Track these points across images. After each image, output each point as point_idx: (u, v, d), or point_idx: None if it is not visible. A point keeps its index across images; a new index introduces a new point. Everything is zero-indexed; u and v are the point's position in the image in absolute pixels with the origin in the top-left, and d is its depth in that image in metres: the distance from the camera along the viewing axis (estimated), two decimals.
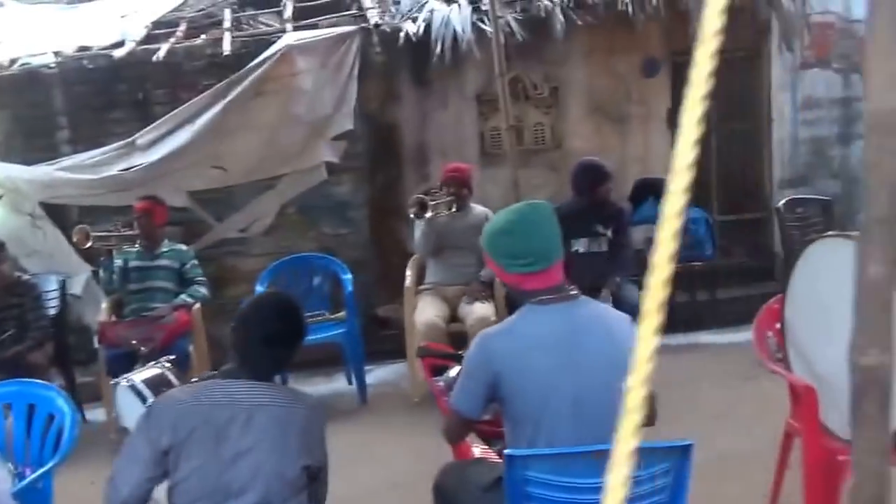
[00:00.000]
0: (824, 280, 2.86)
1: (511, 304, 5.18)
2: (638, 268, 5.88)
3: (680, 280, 6.59)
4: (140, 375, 3.34)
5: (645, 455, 2.06)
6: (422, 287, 5.31)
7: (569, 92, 6.59)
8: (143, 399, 3.20)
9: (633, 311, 4.71)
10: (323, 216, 6.19)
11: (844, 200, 7.16)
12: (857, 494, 1.41)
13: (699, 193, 6.73)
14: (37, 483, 2.84)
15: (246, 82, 5.59)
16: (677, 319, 6.43)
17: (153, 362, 3.60)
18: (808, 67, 6.94)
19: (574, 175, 5.07)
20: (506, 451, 2.22)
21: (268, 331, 2.35)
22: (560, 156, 6.51)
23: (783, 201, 6.14)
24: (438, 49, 5.93)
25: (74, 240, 5.12)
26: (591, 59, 6.50)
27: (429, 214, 5.00)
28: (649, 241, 5.96)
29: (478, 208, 5.36)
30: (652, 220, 6.14)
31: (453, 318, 5.08)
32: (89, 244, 4.99)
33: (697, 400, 4.69)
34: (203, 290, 5.19)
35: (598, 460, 1.99)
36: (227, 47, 5.69)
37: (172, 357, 3.63)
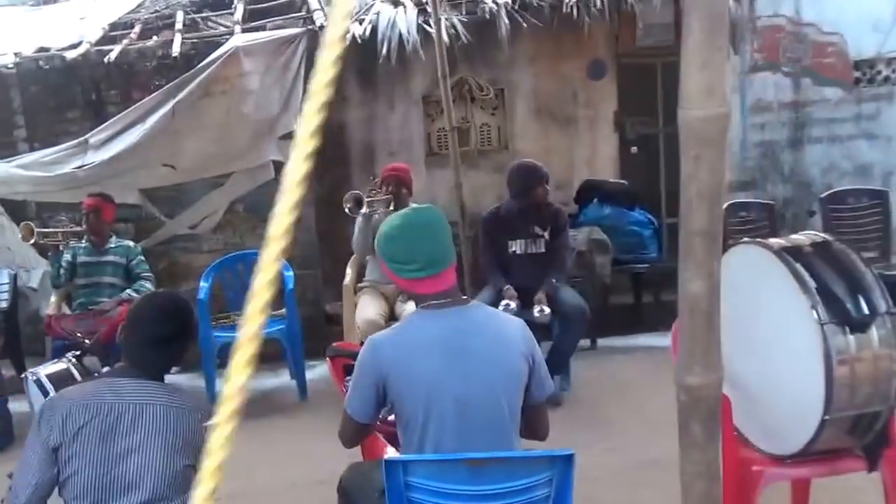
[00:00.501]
0: (740, 288, 2.77)
1: None
2: (579, 268, 6.03)
3: (623, 283, 6.70)
4: (46, 370, 3.48)
5: (525, 464, 2.16)
6: (361, 284, 5.45)
7: (515, 94, 6.76)
8: (46, 393, 3.31)
9: (570, 312, 4.85)
10: (270, 214, 6.36)
11: (795, 204, 7.31)
12: None
13: (647, 197, 6.89)
14: None
15: (194, 83, 5.80)
16: (619, 321, 6.58)
17: (61, 357, 3.74)
18: (758, 71, 7.06)
19: (510, 177, 5.14)
20: (385, 457, 2.25)
21: (154, 331, 2.40)
22: (507, 157, 6.65)
23: (724, 205, 6.25)
24: (384, 51, 6.11)
25: (19, 235, 5.34)
26: (536, 62, 6.67)
27: (364, 210, 5.11)
28: (594, 242, 6.13)
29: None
30: (595, 221, 6.34)
31: (392, 315, 5.21)
32: (33, 240, 5.20)
33: (636, 404, 4.72)
34: (148, 285, 5.37)
35: (473, 468, 2.12)
36: (176, 49, 5.89)
37: (79, 353, 3.78)
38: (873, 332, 2.51)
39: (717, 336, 1.37)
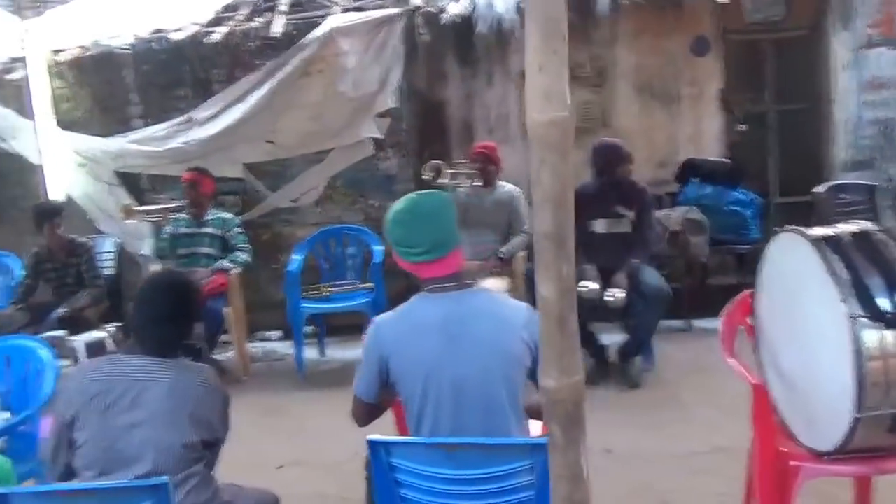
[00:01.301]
0: (784, 276, 2.76)
1: (531, 282, 5.35)
2: (672, 248, 5.90)
3: (726, 263, 6.50)
4: (85, 337, 3.69)
5: (503, 451, 2.15)
6: None
7: (616, 71, 6.61)
8: (77, 360, 3.50)
9: (649, 293, 4.79)
10: (369, 189, 6.51)
11: None
12: None
13: (756, 175, 6.65)
14: (24, 427, 3.25)
15: (293, 63, 6.02)
16: (717, 303, 6.32)
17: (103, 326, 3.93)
18: (874, 46, 6.66)
19: (592, 155, 5.11)
20: (368, 438, 2.25)
21: (156, 311, 2.48)
22: (608, 135, 6.49)
23: (824, 186, 5.98)
24: (483, 29, 6.13)
25: (120, 215, 5.66)
26: (638, 38, 6.50)
27: (444, 180, 5.16)
28: (689, 222, 5.97)
29: (506, 186, 5.53)
30: (693, 201, 6.17)
31: None
32: (133, 220, 5.51)
33: (715, 389, 4.51)
34: (244, 257, 5.59)
35: (450, 452, 2.14)
36: (277, 29, 6.06)
37: (119, 324, 3.92)
38: None
39: (572, 340, 1.34)
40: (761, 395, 2.76)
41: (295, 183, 6.47)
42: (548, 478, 2.04)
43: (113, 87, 6.54)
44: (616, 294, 4.67)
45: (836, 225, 2.65)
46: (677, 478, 3.71)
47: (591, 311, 4.87)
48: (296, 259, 5.74)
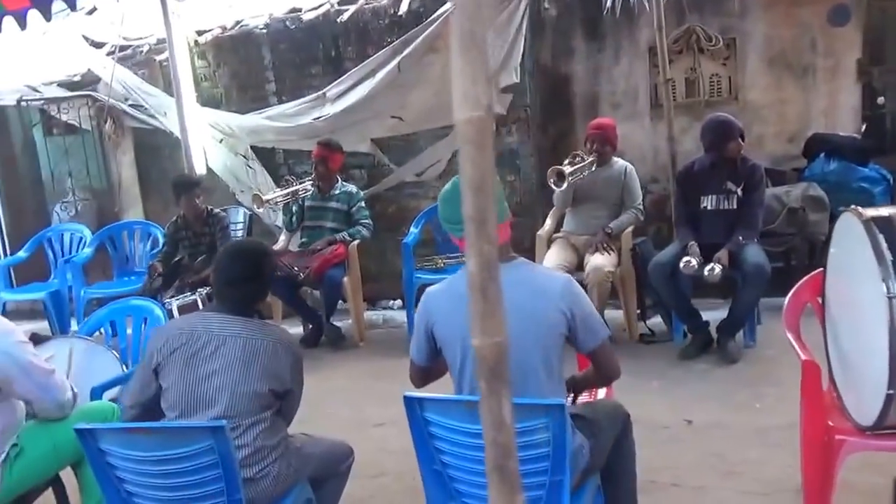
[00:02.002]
0: (843, 256, 2.85)
1: (637, 257, 5.35)
2: (789, 225, 5.75)
3: None
4: (178, 301, 4.04)
5: (519, 410, 2.31)
6: (556, 235, 5.59)
7: (747, 43, 6.41)
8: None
9: (750, 270, 4.79)
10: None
11: None
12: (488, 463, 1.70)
13: (884, 148, 6.35)
14: None
15: (418, 40, 6.17)
16: None
17: (198, 290, 4.24)
18: None
19: (703, 131, 5.09)
20: (404, 394, 2.46)
21: (228, 274, 2.79)
22: (737, 109, 6.38)
23: None
24: (609, 2, 6.10)
25: (252, 203, 5.98)
26: (771, 9, 6.28)
27: (565, 185, 5.18)
28: (809, 199, 5.78)
29: (619, 162, 5.52)
30: (819, 177, 5.97)
31: (580, 266, 5.30)
32: (262, 208, 5.82)
33: None
34: (364, 232, 5.86)
35: (470, 409, 2.29)
36: (404, 7, 6.23)
37: (208, 289, 4.21)
38: None
39: (494, 306, 1.60)
40: (811, 371, 2.85)
41: (420, 157, 6.64)
42: (564, 436, 2.27)
43: (250, 66, 6.87)
44: (716, 269, 4.69)
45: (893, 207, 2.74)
46: (749, 450, 3.81)
47: (692, 286, 5.00)
48: (413, 232, 5.96)
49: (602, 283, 5.10)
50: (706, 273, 4.73)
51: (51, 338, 4.09)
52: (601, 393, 3.17)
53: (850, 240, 2.71)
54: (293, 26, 6.56)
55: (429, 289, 2.71)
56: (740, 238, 4.85)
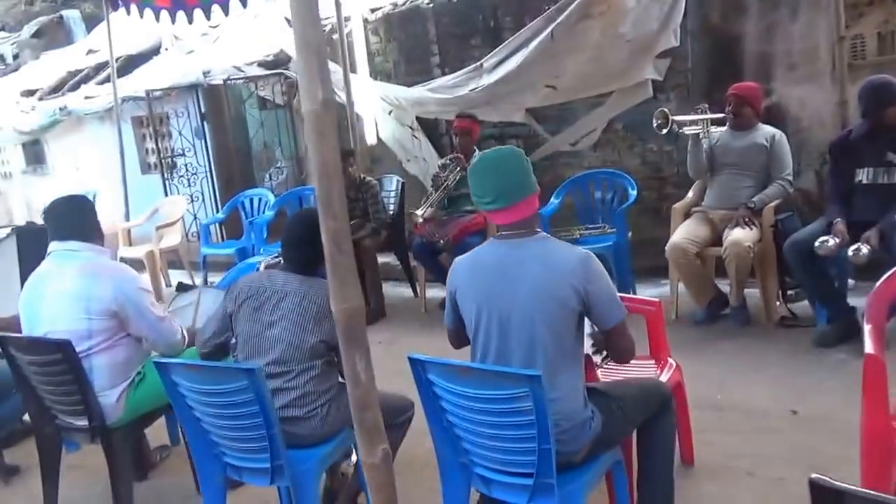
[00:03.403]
0: None
1: (779, 234, 4.89)
2: None
3: None
4: (266, 262, 4.34)
5: (505, 378, 2.40)
6: (695, 209, 5.25)
7: None
8: None
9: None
10: (648, 133, 6.30)
11: None
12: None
13: None
14: None
15: (573, 6, 6.05)
16: None
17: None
18: None
19: (860, 96, 4.48)
20: (408, 355, 2.56)
21: (290, 237, 3.09)
22: None
23: None
24: None
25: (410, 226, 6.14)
26: None
27: (672, 129, 4.93)
28: None
29: (764, 128, 5.07)
30: None
31: (717, 241, 4.97)
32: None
33: None
34: None
35: (465, 375, 2.45)
36: None
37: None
38: None
39: (344, 275, 1.77)
40: (873, 365, 2.60)
41: (574, 127, 6.53)
42: (544, 405, 2.32)
43: (417, 40, 7.11)
44: (862, 250, 4.12)
45: None
46: (849, 448, 3.36)
47: (853, 268, 4.52)
48: (553, 202, 5.88)
49: (741, 257, 4.75)
50: (850, 254, 4.20)
51: (195, 286, 4.66)
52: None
53: None
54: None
55: (457, 259, 2.81)
56: (894, 216, 4.24)
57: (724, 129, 5.16)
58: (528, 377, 2.32)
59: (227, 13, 7.11)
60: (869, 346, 2.70)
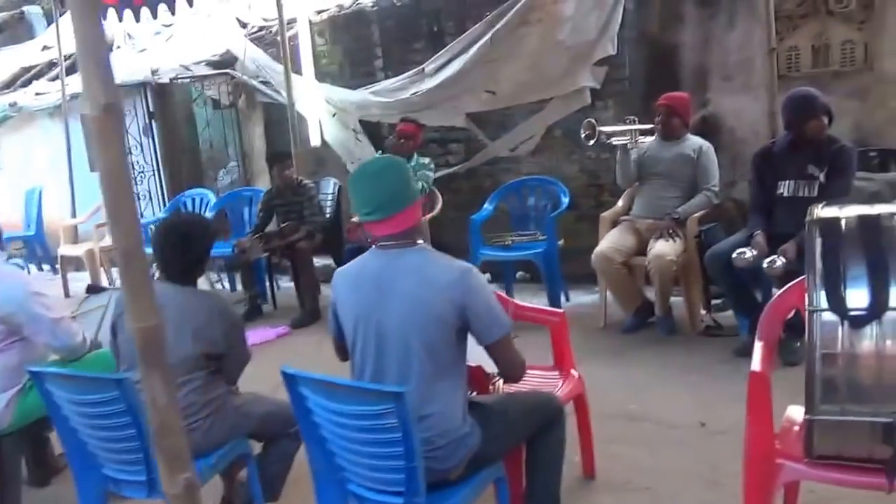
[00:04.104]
0: None
1: (703, 245, 4.92)
2: None
3: None
4: None
5: (369, 394, 2.38)
6: (623, 217, 5.28)
7: (888, 4, 5.65)
8: None
9: None
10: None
11: None
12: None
13: None
14: None
15: (512, 12, 6.07)
16: None
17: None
18: None
19: (782, 108, 4.50)
20: (281, 368, 2.49)
21: (162, 246, 3.01)
22: (871, 80, 5.68)
23: None
24: None
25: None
26: None
27: (600, 139, 4.95)
28: None
29: (692, 139, 5.12)
30: None
31: (642, 251, 5.01)
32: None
33: None
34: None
35: (329, 389, 2.41)
36: None
37: None
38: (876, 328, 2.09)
39: (140, 292, 1.72)
40: (758, 383, 2.62)
41: (513, 132, 6.55)
42: (408, 423, 2.28)
43: (361, 43, 7.09)
44: (777, 262, 4.14)
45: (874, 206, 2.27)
46: None
47: (753, 279, 4.52)
48: (487, 209, 5.91)
49: (664, 270, 4.80)
50: (766, 266, 4.23)
51: (106, 289, 4.59)
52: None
53: None
54: (399, 3, 6.67)
55: (338, 269, 2.78)
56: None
57: (653, 138, 5.19)
58: (393, 394, 2.29)
59: (173, 12, 7.08)
60: (756, 364, 2.73)
